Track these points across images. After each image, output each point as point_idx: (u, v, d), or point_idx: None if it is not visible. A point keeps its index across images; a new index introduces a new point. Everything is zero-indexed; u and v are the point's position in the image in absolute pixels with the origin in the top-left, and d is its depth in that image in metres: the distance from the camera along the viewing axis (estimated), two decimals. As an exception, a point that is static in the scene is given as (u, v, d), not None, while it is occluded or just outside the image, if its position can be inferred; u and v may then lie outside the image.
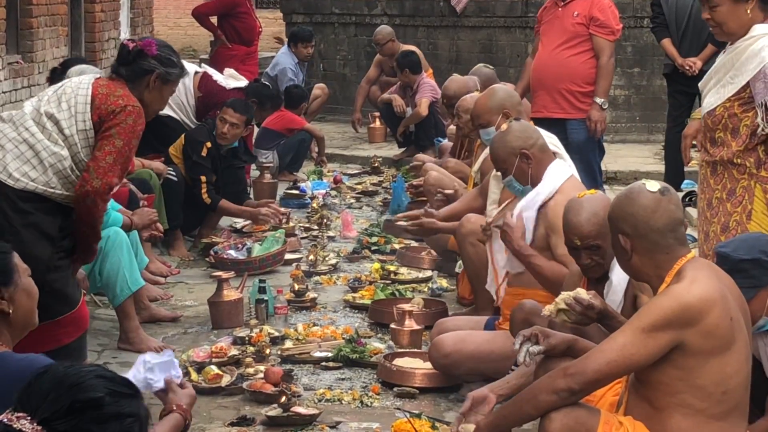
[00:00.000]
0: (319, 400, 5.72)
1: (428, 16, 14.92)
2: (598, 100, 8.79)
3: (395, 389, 5.87)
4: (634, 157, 12.78)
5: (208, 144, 8.87)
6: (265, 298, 7.02)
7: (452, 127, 9.88)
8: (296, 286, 7.43)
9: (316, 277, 8.07)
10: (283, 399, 5.50)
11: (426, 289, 7.75)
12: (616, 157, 12.54)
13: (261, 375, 5.92)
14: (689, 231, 9.21)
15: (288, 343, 6.50)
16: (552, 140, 6.39)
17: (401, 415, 5.45)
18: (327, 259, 8.45)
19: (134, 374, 3.78)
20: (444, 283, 7.80)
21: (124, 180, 7.88)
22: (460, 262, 7.16)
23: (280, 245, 8.38)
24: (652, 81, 13.87)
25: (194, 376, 5.92)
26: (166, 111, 9.58)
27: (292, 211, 9.90)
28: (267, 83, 11.39)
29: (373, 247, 8.87)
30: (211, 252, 8.38)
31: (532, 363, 4.31)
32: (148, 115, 5.58)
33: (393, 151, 13.19)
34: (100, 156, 5.35)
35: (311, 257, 8.33)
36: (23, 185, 5.30)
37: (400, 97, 12.91)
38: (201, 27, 14.16)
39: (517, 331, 4.47)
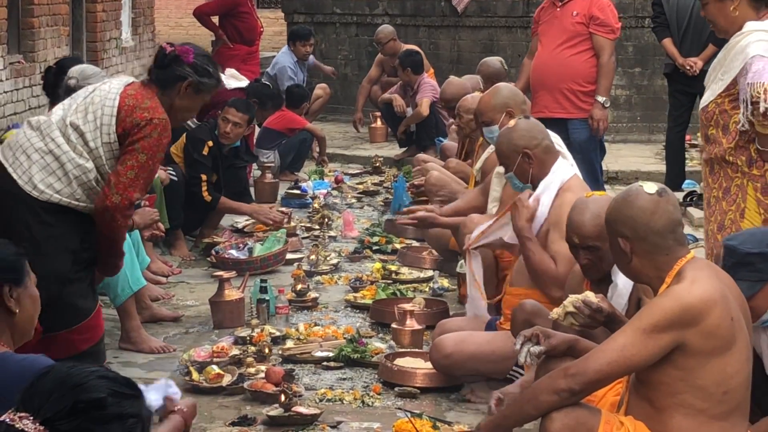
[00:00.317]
0: (321, 400, 5.73)
1: (429, 16, 14.93)
2: (600, 99, 8.79)
3: (396, 389, 5.88)
4: (635, 157, 12.78)
5: (210, 143, 8.87)
6: (267, 297, 7.02)
7: (454, 128, 9.89)
8: (297, 286, 7.43)
9: (318, 277, 8.07)
10: (284, 399, 5.50)
11: (427, 289, 7.75)
12: (617, 157, 12.54)
13: (262, 375, 5.92)
14: (690, 231, 9.24)
15: (289, 343, 6.51)
16: (555, 140, 6.39)
17: (402, 415, 5.45)
18: (328, 258, 8.46)
19: None
20: (445, 282, 7.80)
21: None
22: (461, 261, 7.15)
23: (282, 245, 8.39)
24: (653, 81, 13.87)
25: (195, 375, 5.93)
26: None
27: (293, 211, 9.91)
28: (267, 83, 11.41)
29: (375, 247, 8.88)
30: (213, 252, 8.39)
31: (534, 363, 4.31)
32: (177, 122, 5.51)
33: (394, 150, 13.19)
34: (122, 170, 5.27)
35: (312, 257, 8.34)
36: (48, 197, 5.23)
37: (400, 97, 12.91)
38: (202, 27, 14.16)
39: (518, 331, 4.47)
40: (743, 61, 5.50)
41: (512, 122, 6.10)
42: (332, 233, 9.38)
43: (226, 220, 9.42)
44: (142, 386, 3.71)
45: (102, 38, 13.71)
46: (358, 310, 7.34)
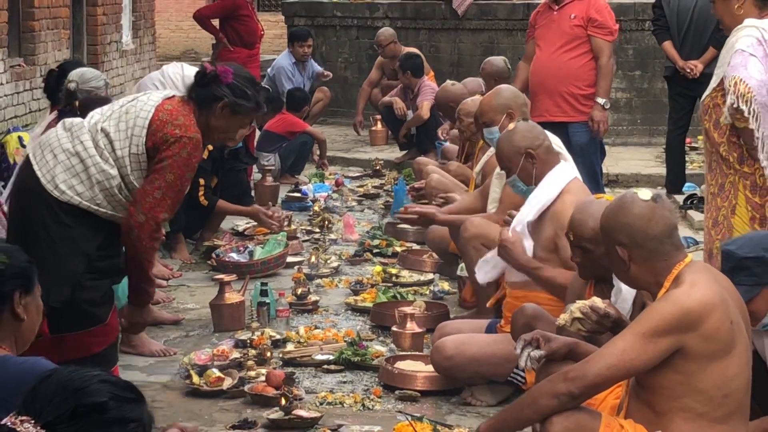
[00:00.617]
0: (321, 403, 5.73)
1: (430, 19, 14.94)
2: (600, 101, 8.80)
3: (397, 392, 5.88)
4: (635, 160, 12.78)
5: (210, 146, 8.87)
6: (267, 301, 7.03)
7: (454, 131, 9.89)
8: (298, 289, 7.44)
9: (318, 280, 8.08)
10: (285, 402, 5.50)
11: (428, 292, 7.76)
12: (618, 160, 12.54)
13: (262, 378, 5.92)
14: (691, 234, 9.24)
15: (290, 346, 6.51)
16: (555, 142, 6.40)
17: (403, 418, 5.45)
18: (329, 261, 8.46)
19: None
20: (446, 286, 7.80)
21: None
22: (461, 265, 7.16)
23: (282, 248, 8.39)
24: (653, 84, 13.87)
25: (196, 379, 5.93)
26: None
27: (293, 214, 9.91)
28: (267, 86, 11.41)
29: (375, 250, 8.88)
30: (213, 255, 8.39)
31: (534, 368, 4.31)
32: (213, 142, 5.49)
33: (394, 153, 13.20)
34: (149, 189, 5.24)
35: (313, 260, 8.34)
36: (68, 198, 5.21)
37: (400, 100, 12.91)
38: (203, 30, 14.17)
39: (519, 335, 4.47)
40: (731, 56, 5.58)
41: (511, 125, 6.11)
42: (333, 236, 9.38)
43: (227, 224, 9.42)
44: None
45: (102, 41, 13.72)
46: (358, 313, 7.34)
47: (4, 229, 6.15)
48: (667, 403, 3.93)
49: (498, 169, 6.59)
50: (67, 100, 7.34)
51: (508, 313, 5.76)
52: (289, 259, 8.46)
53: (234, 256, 8.27)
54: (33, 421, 2.37)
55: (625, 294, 4.73)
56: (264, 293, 7.04)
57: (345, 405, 5.73)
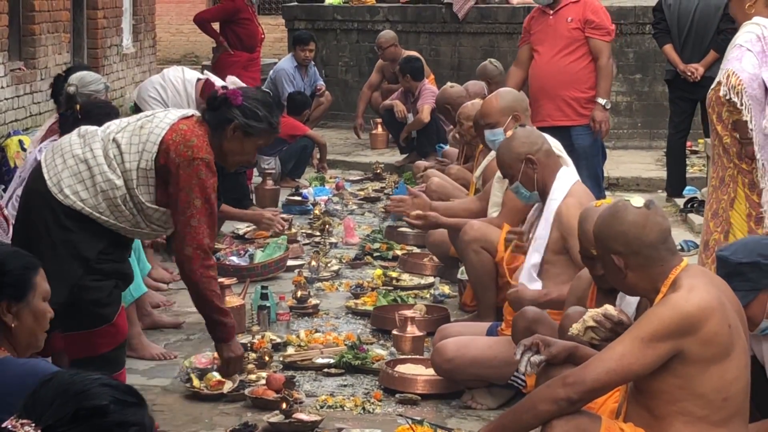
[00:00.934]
0: (321, 407, 5.73)
1: (430, 23, 14.94)
2: (601, 101, 8.81)
3: (397, 396, 5.88)
4: (635, 163, 12.78)
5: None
6: (267, 304, 7.02)
7: (455, 134, 9.90)
8: (298, 293, 7.44)
9: (318, 284, 8.08)
10: (285, 405, 5.50)
11: (428, 296, 7.76)
12: (618, 164, 12.54)
13: (263, 381, 5.92)
14: (691, 237, 9.25)
15: (290, 350, 6.51)
16: (555, 145, 6.40)
17: (403, 422, 5.45)
18: (329, 265, 8.46)
19: None
20: (446, 289, 7.80)
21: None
22: (462, 268, 7.16)
23: (283, 252, 8.39)
24: (653, 87, 13.87)
25: (196, 382, 5.93)
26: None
27: (294, 218, 9.91)
28: (268, 90, 11.41)
29: (375, 254, 8.88)
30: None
31: (534, 372, 4.30)
32: (228, 165, 5.46)
33: (395, 157, 13.20)
34: (183, 221, 5.25)
35: (313, 263, 8.34)
36: (71, 203, 5.22)
37: (401, 103, 12.91)
38: (203, 33, 14.16)
39: (520, 338, 4.47)
40: (730, 50, 5.68)
41: (509, 133, 6.11)
42: (333, 240, 9.38)
43: (227, 227, 9.42)
44: None
45: (103, 45, 13.73)
46: (359, 317, 7.34)
47: (3, 232, 6.15)
48: (666, 408, 3.93)
49: (499, 173, 6.58)
50: (67, 104, 7.34)
51: (509, 316, 5.76)
52: (290, 262, 8.46)
53: (234, 259, 8.27)
54: (33, 425, 2.37)
55: (629, 299, 4.72)
56: (264, 297, 7.04)
57: (345, 408, 5.73)
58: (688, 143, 11.60)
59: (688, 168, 11.37)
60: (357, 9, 15.69)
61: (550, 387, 3.98)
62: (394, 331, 6.65)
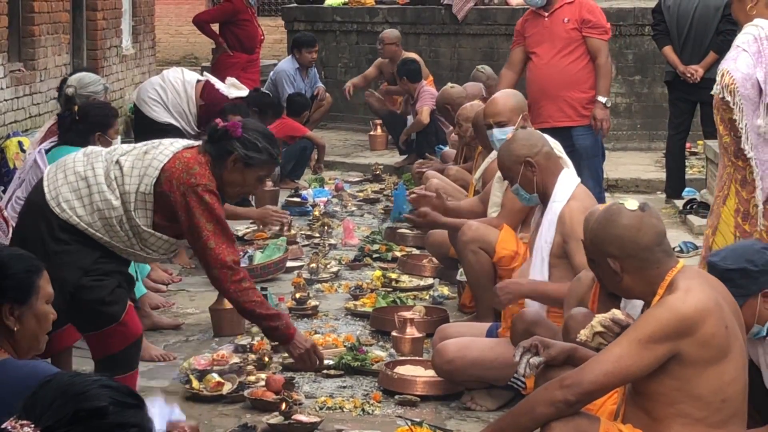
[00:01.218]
0: (321, 408, 5.73)
1: (429, 24, 14.94)
2: (601, 99, 8.82)
3: (396, 397, 5.88)
4: (635, 164, 12.78)
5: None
6: (267, 305, 7.01)
7: (454, 136, 9.90)
8: (298, 294, 7.44)
9: (318, 285, 8.08)
10: (285, 407, 5.51)
11: (427, 297, 7.76)
12: (618, 165, 12.54)
13: (262, 383, 5.92)
14: (690, 239, 9.24)
15: (289, 351, 6.50)
16: (555, 147, 6.40)
17: (402, 423, 5.45)
18: (328, 266, 8.46)
19: None
20: (445, 290, 7.80)
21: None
22: (461, 269, 7.16)
23: (282, 253, 8.39)
24: (653, 88, 13.87)
25: (195, 384, 5.93)
26: (168, 119, 9.61)
27: (293, 219, 9.91)
28: (267, 92, 11.41)
29: (375, 255, 8.88)
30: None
31: (533, 374, 4.30)
32: (229, 196, 5.53)
33: (394, 158, 13.20)
34: (202, 246, 5.32)
35: (313, 265, 8.34)
36: (67, 217, 5.31)
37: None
38: (202, 35, 14.16)
39: (518, 340, 4.47)
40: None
41: (509, 135, 6.11)
42: (332, 241, 9.38)
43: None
44: (149, 403, 3.72)
45: (102, 46, 13.71)
46: (358, 318, 7.34)
47: (3, 234, 6.16)
48: (664, 410, 3.93)
49: (499, 174, 6.58)
50: (66, 105, 7.35)
51: (508, 318, 5.75)
52: (289, 263, 8.46)
53: (234, 260, 8.25)
54: (33, 426, 2.37)
55: (634, 301, 4.71)
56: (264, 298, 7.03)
57: (345, 410, 5.73)
58: (688, 145, 11.60)
59: (687, 169, 11.37)
60: (356, 10, 15.69)
61: (547, 389, 3.98)
62: (394, 333, 6.65)
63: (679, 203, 10.51)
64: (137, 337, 5.44)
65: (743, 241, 5.24)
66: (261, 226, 9.36)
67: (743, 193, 5.71)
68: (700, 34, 10.51)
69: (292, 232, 9.32)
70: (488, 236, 6.57)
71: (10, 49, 10.80)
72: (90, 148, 5.61)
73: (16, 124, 10.81)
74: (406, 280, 8.08)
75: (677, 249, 8.75)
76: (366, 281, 8.11)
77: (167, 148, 5.43)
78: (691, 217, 9.98)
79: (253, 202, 10.11)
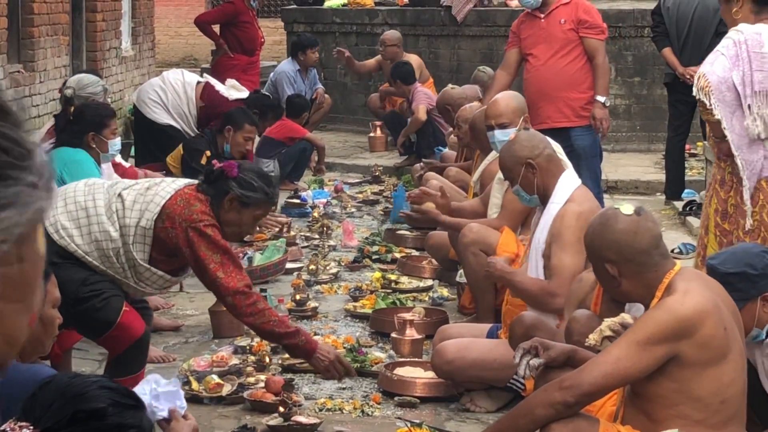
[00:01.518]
0: (320, 410, 5.73)
1: (429, 26, 14.93)
2: (600, 99, 8.82)
3: (396, 398, 5.88)
4: (634, 166, 12.77)
5: (208, 153, 8.88)
6: (266, 307, 7.01)
7: (453, 137, 9.90)
8: (297, 296, 7.44)
9: (317, 286, 8.08)
10: (284, 408, 5.51)
11: (427, 299, 7.76)
12: (617, 167, 12.53)
13: (262, 384, 5.92)
14: (689, 240, 9.24)
15: (289, 353, 6.50)
16: (556, 149, 6.40)
17: (402, 425, 5.45)
18: (328, 268, 8.46)
19: (140, 392, 3.78)
20: (445, 292, 7.80)
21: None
22: (461, 271, 7.16)
23: (281, 254, 8.39)
24: (652, 90, 13.86)
25: (195, 385, 5.93)
26: (168, 120, 9.62)
27: (293, 220, 9.91)
28: (268, 94, 11.41)
29: (374, 256, 8.88)
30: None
31: (533, 376, 4.30)
32: (227, 237, 5.56)
33: (394, 159, 13.20)
34: (211, 277, 5.34)
35: (312, 266, 8.34)
36: (65, 244, 5.39)
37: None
38: (202, 36, 14.17)
39: (517, 344, 4.47)
40: None
41: (512, 135, 6.11)
42: (332, 242, 9.38)
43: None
44: (156, 380, 3.73)
45: (102, 48, 13.72)
46: (357, 320, 7.34)
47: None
48: (663, 411, 3.93)
49: (499, 175, 6.58)
50: (64, 106, 7.36)
51: (508, 320, 5.75)
52: (289, 265, 8.46)
53: (233, 262, 8.26)
54: (32, 427, 2.37)
55: (638, 303, 4.71)
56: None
57: (344, 411, 5.73)
58: (687, 146, 11.60)
59: (686, 171, 11.37)
60: (356, 12, 15.69)
61: (546, 391, 3.98)
62: (393, 334, 6.65)
63: (679, 205, 10.50)
64: (136, 339, 5.46)
65: (742, 245, 5.24)
66: (258, 227, 9.36)
67: (721, 193, 5.78)
68: (699, 36, 10.51)
69: (292, 233, 9.32)
70: (489, 238, 6.57)
71: (9, 50, 10.81)
72: (92, 179, 5.69)
73: (16, 125, 10.80)
74: (406, 282, 8.08)
75: (677, 250, 8.75)
76: (365, 283, 8.11)
77: (169, 185, 5.52)
78: (691, 219, 9.98)
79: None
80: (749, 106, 5.59)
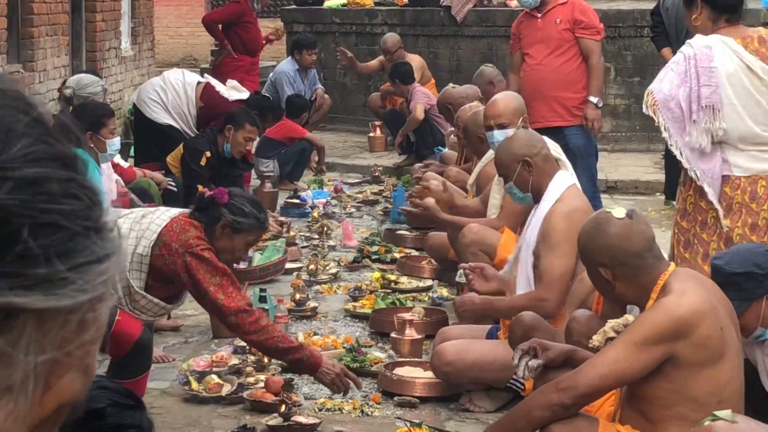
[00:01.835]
0: (320, 410, 5.73)
1: (429, 26, 14.93)
2: (593, 99, 8.84)
3: (396, 398, 5.88)
4: (634, 166, 12.78)
5: (208, 153, 8.88)
6: (266, 307, 7.02)
7: (453, 137, 9.90)
8: (297, 296, 7.44)
9: (317, 287, 8.08)
10: (284, 408, 5.51)
11: (426, 299, 7.76)
12: (617, 167, 12.54)
13: (262, 384, 5.93)
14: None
15: (288, 353, 6.50)
16: (555, 148, 6.40)
17: (402, 425, 5.45)
18: (327, 268, 8.46)
19: None
20: (444, 292, 7.80)
21: (125, 189, 7.90)
22: (460, 271, 7.15)
23: (281, 254, 8.39)
24: (652, 90, 13.85)
25: (195, 385, 5.94)
26: (167, 120, 9.62)
27: (292, 221, 9.91)
28: (268, 95, 11.42)
29: (374, 256, 8.88)
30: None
31: (532, 376, 4.30)
32: (222, 263, 5.60)
33: (393, 159, 13.20)
34: (211, 300, 5.37)
35: (312, 266, 8.34)
36: None
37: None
38: (202, 36, 14.17)
39: (516, 345, 4.47)
40: None
41: (510, 133, 6.11)
42: (331, 242, 9.38)
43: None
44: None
45: (101, 48, 13.72)
46: (357, 320, 7.34)
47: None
48: (660, 412, 3.94)
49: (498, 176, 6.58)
50: (62, 106, 7.36)
51: (507, 321, 5.75)
52: (288, 265, 8.46)
53: (233, 262, 8.26)
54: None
55: None
56: (263, 299, 7.04)
57: (344, 411, 5.73)
58: (687, 146, 11.59)
59: (686, 171, 11.36)
60: (356, 12, 15.69)
61: (543, 393, 3.99)
62: (393, 334, 6.66)
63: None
64: (133, 344, 5.48)
65: (746, 244, 5.25)
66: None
67: (682, 190, 5.86)
68: (698, 36, 10.52)
69: (291, 233, 9.32)
70: (489, 239, 6.58)
71: (9, 50, 10.81)
72: None
73: (15, 125, 10.80)
74: (405, 282, 8.08)
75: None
76: (365, 283, 8.11)
77: (164, 213, 5.56)
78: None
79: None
80: (694, 121, 5.64)
